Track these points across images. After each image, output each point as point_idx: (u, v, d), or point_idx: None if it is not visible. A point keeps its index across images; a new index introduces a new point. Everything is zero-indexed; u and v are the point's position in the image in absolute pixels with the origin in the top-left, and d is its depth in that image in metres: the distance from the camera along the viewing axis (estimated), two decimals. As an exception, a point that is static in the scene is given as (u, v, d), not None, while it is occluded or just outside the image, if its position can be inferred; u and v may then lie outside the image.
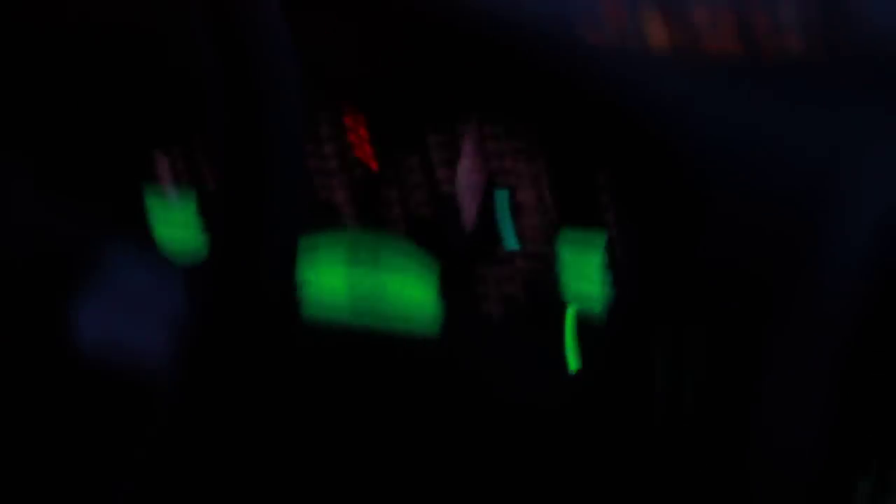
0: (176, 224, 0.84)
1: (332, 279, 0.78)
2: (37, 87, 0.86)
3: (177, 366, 0.46)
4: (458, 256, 0.77)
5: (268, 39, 0.48)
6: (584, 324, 0.71)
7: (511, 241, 0.75)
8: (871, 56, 0.69)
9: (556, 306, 0.73)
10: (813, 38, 0.71)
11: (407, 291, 0.77)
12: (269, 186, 0.47)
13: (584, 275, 0.72)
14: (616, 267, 0.65)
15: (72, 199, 0.84)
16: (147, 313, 0.52)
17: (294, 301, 0.49)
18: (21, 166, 0.83)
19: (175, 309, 0.52)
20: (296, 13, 0.52)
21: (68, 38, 0.84)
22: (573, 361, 0.70)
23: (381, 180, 0.80)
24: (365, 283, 0.78)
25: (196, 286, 0.48)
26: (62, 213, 0.59)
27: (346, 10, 0.75)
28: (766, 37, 0.71)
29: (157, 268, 0.55)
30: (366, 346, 0.70)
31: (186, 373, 0.46)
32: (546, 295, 0.73)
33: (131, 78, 0.84)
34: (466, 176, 0.77)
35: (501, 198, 0.76)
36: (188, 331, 0.47)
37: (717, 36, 0.71)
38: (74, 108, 0.85)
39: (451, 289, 0.77)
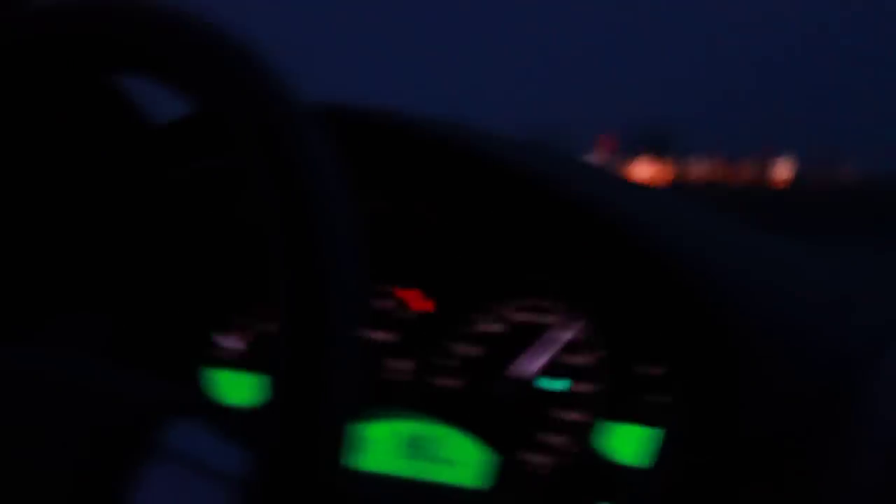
0: (239, 393, 0.86)
1: (381, 431, 0.80)
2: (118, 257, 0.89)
3: None
4: (507, 410, 0.78)
5: (332, 214, 0.50)
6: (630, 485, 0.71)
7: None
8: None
9: (603, 468, 0.73)
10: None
11: (455, 440, 0.79)
12: (331, 357, 0.49)
13: (630, 449, 0.73)
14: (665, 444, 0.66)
15: (139, 366, 0.86)
16: (207, 481, 0.52)
17: (344, 459, 0.50)
18: (103, 334, 0.86)
19: (235, 476, 0.52)
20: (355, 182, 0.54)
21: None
22: None
23: (437, 352, 0.82)
24: (414, 432, 0.80)
25: (255, 449, 0.49)
26: (131, 382, 0.60)
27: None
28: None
29: (219, 434, 0.56)
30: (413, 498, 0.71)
31: None
32: (592, 458, 0.74)
33: (199, 249, 0.87)
34: (530, 361, 0.79)
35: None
36: (249, 493, 0.48)
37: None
38: (152, 274, 0.88)
39: (500, 443, 0.77)
